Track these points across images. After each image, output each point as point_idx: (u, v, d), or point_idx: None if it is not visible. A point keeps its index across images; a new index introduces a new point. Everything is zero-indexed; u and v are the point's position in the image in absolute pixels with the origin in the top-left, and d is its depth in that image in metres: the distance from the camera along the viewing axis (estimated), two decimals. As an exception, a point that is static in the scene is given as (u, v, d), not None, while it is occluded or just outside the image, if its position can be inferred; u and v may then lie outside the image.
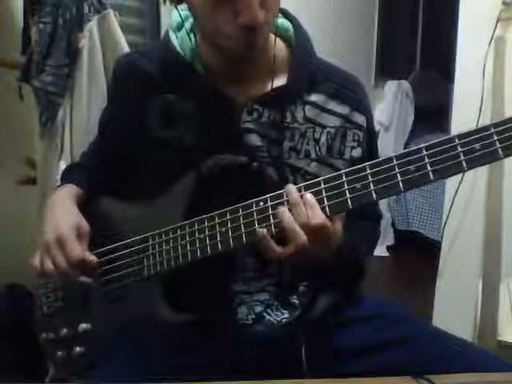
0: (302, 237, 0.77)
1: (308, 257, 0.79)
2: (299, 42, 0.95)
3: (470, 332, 1.87)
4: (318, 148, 0.93)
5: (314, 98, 0.93)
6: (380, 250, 3.28)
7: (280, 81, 0.92)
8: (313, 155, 0.93)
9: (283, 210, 0.79)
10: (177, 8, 0.92)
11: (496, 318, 1.87)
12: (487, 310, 1.89)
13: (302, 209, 0.78)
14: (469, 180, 1.80)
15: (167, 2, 0.93)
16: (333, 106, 0.94)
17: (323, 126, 0.93)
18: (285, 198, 0.81)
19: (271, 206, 0.81)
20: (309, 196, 0.78)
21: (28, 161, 1.90)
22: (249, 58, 0.88)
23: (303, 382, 0.83)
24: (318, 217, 0.77)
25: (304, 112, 0.92)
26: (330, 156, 0.94)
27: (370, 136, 0.98)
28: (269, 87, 0.91)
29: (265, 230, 0.80)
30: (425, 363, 0.82)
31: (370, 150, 0.98)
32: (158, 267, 0.89)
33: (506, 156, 0.69)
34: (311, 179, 0.81)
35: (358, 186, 0.77)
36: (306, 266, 0.83)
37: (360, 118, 0.96)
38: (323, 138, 0.93)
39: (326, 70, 0.97)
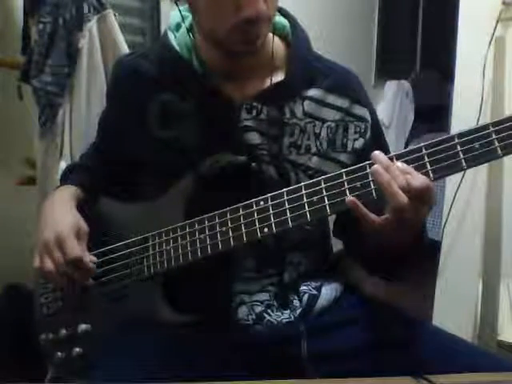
0: (403, 198, 0.71)
1: (405, 226, 0.74)
2: (296, 39, 0.95)
3: (470, 332, 1.87)
4: (318, 142, 0.93)
5: (312, 92, 0.93)
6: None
7: (278, 77, 0.92)
8: (313, 150, 0.93)
9: (377, 168, 0.73)
10: (177, 4, 0.92)
11: (496, 317, 1.87)
12: (487, 309, 1.89)
13: (397, 171, 0.73)
14: (469, 180, 1.80)
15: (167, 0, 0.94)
16: (332, 99, 0.94)
17: (323, 121, 0.93)
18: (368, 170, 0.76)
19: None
20: (400, 163, 0.74)
21: (28, 161, 1.90)
22: (249, 53, 0.88)
23: (303, 381, 0.83)
24: (419, 178, 0.72)
25: (303, 107, 0.93)
26: (332, 150, 0.94)
27: (374, 127, 0.98)
28: (267, 84, 0.91)
29: (353, 198, 0.74)
30: (425, 363, 0.82)
31: (377, 141, 0.97)
32: (159, 267, 0.89)
33: (505, 154, 0.70)
34: (313, 174, 0.80)
35: (357, 185, 0.77)
36: (395, 238, 0.78)
37: (361, 111, 0.96)
38: (324, 133, 0.93)
39: (324, 65, 0.97)
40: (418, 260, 0.90)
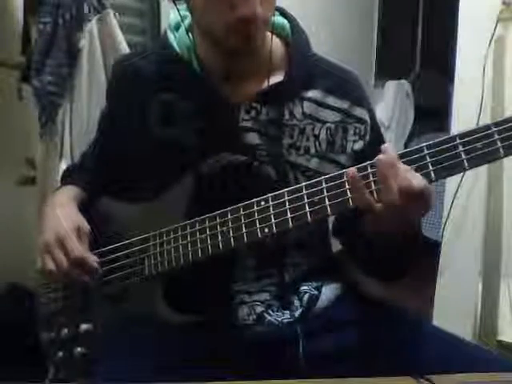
0: (395, 196, 0.73)
1: (395, 218, 0.76)
2: (296, 40, 0.95)
3: (470, 332, 1.87)
4: (318, 144, 0.93)
5: (312, 93, 0.93)
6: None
7: (277, 78, 0.92)
8: (313, 151, 0.93)
9: (382, 159, 0.74)
10: (175, 4, 0.91)
11: (496, 317, 1.87)
12: (487, 309, 1.90)
13: (401, 169, 0.73)
14: (469, 180, 1.81)
15: (166, 0, 0.93)
16: (332, 101, 0.94)
17: (323, 122, 0.93)
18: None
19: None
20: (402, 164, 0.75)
21: (28, 161, 1.90)
22: (246, 51, 0.88)
23: (303, 381, 0.83)
24: (419, 180, 0.73)
25: (302, 108, 0.92)
26: (331, 151, 0.94)
27: (374, 128, 0.98)
28: (266, 84, 0.91)
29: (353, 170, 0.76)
30: (425, 363, 0.82)
31: (376, 143, 0.97)
32: (159, 267, 0.89)
33: (507, 155, 0.69)
34: (312, 176, 0.80)
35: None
36: (387, 229, 0.79)
37: (361, 112, 0.96)
38: (323, 134, 0.93)
39: (324, 66, 0.97)
40: (413, 261, 0.91)
